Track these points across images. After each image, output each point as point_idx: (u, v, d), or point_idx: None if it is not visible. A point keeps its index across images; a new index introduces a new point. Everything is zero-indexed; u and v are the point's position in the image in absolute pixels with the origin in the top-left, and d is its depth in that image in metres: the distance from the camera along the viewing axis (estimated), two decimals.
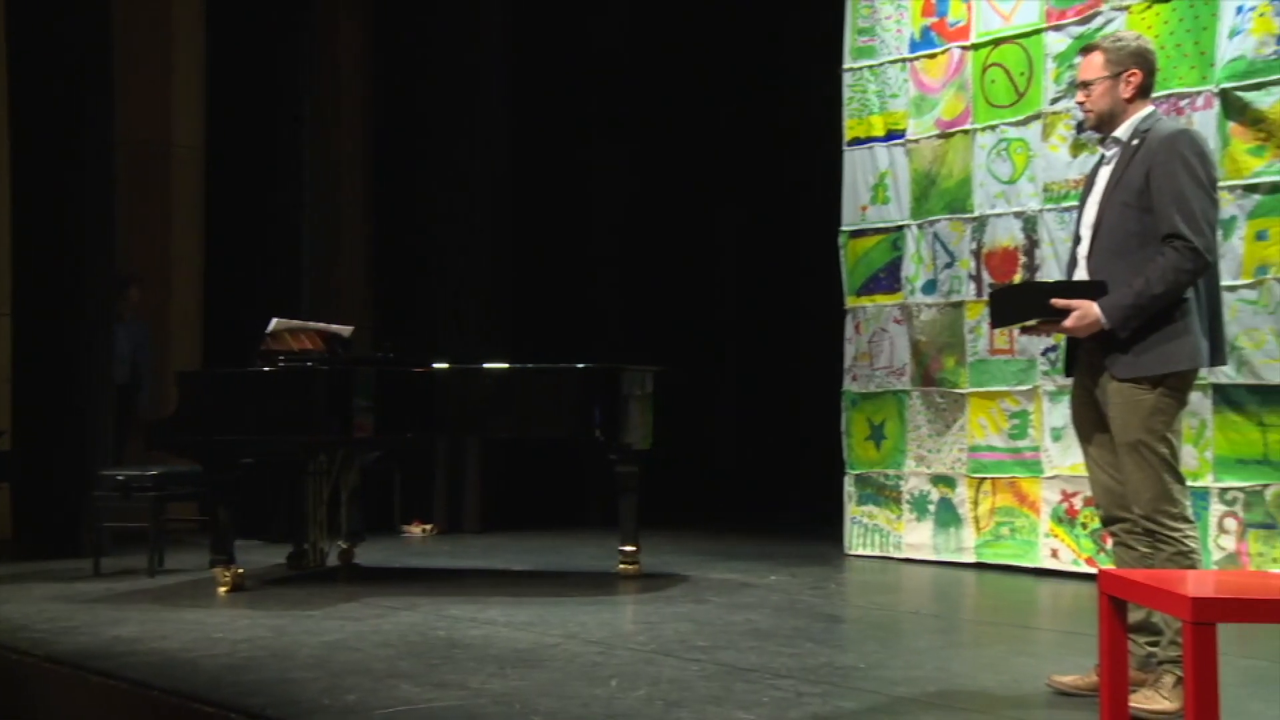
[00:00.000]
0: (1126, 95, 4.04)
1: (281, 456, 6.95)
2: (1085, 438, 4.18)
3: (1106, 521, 4.16)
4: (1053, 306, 3.94)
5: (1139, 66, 4.05)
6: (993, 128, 7.17)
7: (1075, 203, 4.69)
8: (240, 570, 6.25)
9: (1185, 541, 3.87)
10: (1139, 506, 3.92)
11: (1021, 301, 4.23)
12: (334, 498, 7.01)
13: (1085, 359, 4.09)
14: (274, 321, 6.41)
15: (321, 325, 6.81)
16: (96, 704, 3.52)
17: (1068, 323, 3.93)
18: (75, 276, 7.59)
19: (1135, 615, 4.01)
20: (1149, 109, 4.08)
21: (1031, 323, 4.14)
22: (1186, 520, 3.91)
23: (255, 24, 8.70)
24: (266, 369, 6.22)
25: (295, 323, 6.66)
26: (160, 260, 9.01)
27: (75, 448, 7.49)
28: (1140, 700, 3.77)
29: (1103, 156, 4.16)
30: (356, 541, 7.18)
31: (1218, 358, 4.06)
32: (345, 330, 6.91)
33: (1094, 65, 4.07)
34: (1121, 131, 4.04)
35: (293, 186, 8.85)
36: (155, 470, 6.74)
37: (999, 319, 4.35)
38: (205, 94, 8.68)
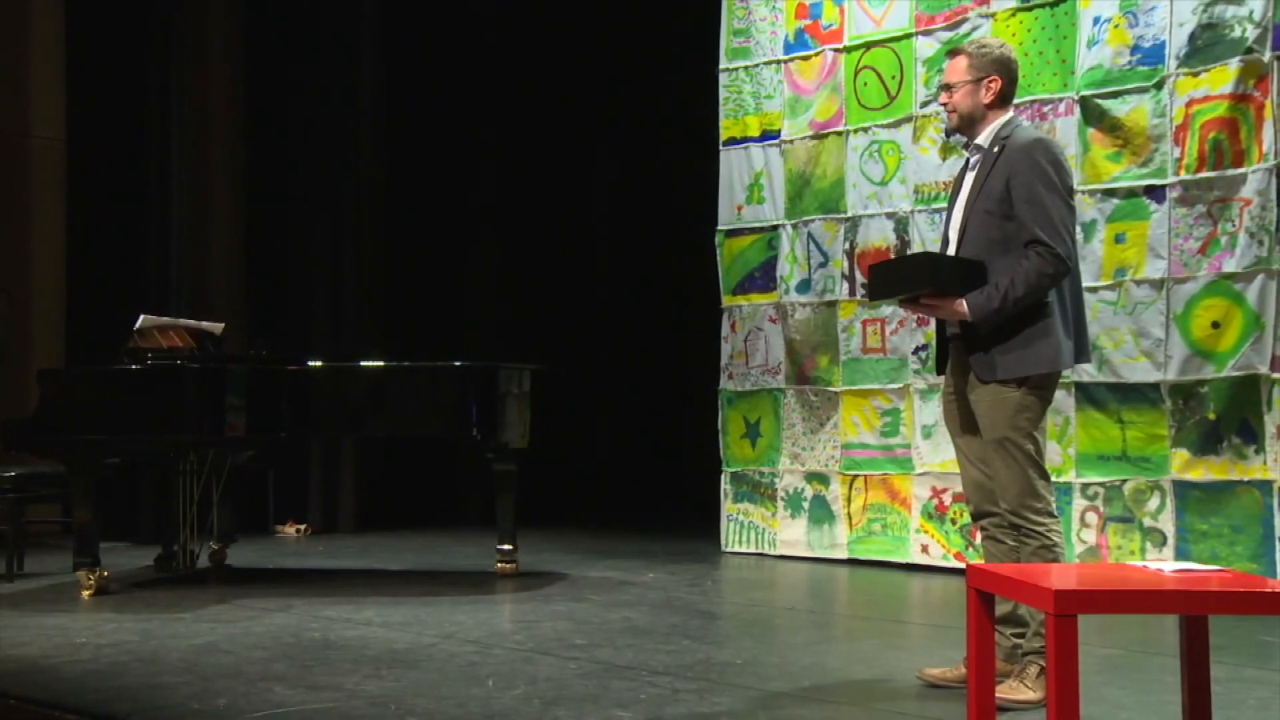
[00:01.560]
0: (987, 100, 4.14)
1: (150, 456, 6.79)
2: (956, 434, 4.27)
3: (976, 516, 4.26)
4: (917, 289, 4.02)
5: (1000, 74, 4.14)
6: (865, 129, 7.29)
7: (945, 204, 4.79)
8: (105, 573, 6.08)
9: (1050, 536, 3.98)
10: (1005, 502, 4.02)
11: (900, 275, 4.26)
12: (204, 498, 6.86)
13: (954, 358, 4.19)
14: (142, 318, 6.25)
15: (192, 322, 6.67)
16: None
17: (936, 304, 4.01)
18: None
19: (1002, 608, 4.11)
20: (1009, 115, 4.18)
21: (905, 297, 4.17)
22: (1051, 515, 4.02)
23: (120, 8, 8.50)
24: (134, 367, 6.06)
25: (164, 320, 6.51)
26: (18, 254, 8.72)
27: None
28: (1006, 690, 3.87)
29: (968, 161, 4.26)
30: (228, 542, 7.05)
31: (1082, 356, 4.19)
32: (217, 328, 6.77)
33: (958, 69, 4.15)
34: (983, 138, 4.14)
35: (161, 179, 8.66)
36: (14, 471, 6.53)
37: (877, 292, 4.37)
38: (66, 82, 8.42)
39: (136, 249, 8.57)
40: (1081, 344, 4.15)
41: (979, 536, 4.29)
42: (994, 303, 3.92)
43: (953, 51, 4.28)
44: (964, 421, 4.19)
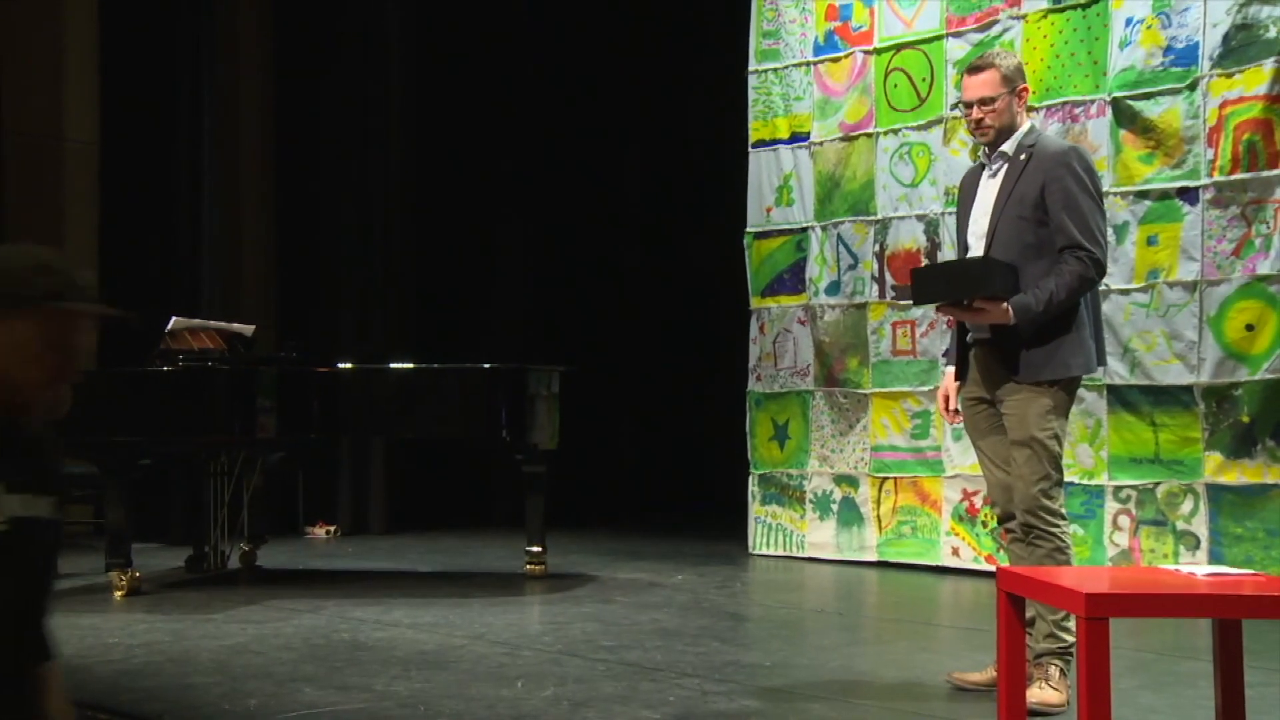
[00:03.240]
0: (1020, 109, 4.14)
1: (181, 457, 6.83)
2: (978, 438, 4.26)
3: (1003, 519, 4.24)
4: (971, 293, 3.95)
5: (1027, 81, 4.18)
6: (895, 131, 7.27)
7: None
8: (137, 574, 6.13)
9: (1063, 538, 3.98)
10: (1021, 502, 4.01)
11: (952, 278, 4.17)
12: (235, 499, 6.91)
13: (979, 361, 4.16)
14: (173, 320, 6.30)
15: (222, 324, 6.71)
16: None
17: (986, 307, 3.93)
18: None
19: (1029, 611, 4.10)
20: (1030, 123, 4.21)
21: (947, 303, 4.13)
22: (1063, 518, 4.03)
23: (153, 14, 8.56)
24: (165, 368, 6.11)
25: (195, 321, 6.55)
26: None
27: None
28: (1032, 695, 3.86)
29: (983, 168, 4.23)
30: (258, 543, 7.09)
31: (1102, 360, 4.23)
32: (247, 329, 6.81)
33: (993, 82, 4.08)
34: (1008, 146, 4.11)
35: (192, 182, 8.71)
36: None
37: (923, 296, 4.32)
38: (100, 88, 8.48)
39: (167, 251, 8.63)
40: (1101, 348, 4.18)
41: (1007, 539, 4.28)
42: (1039, 306, 3.91)
43: (976, 67, 4.19)
44: (987, 425, 4.18)
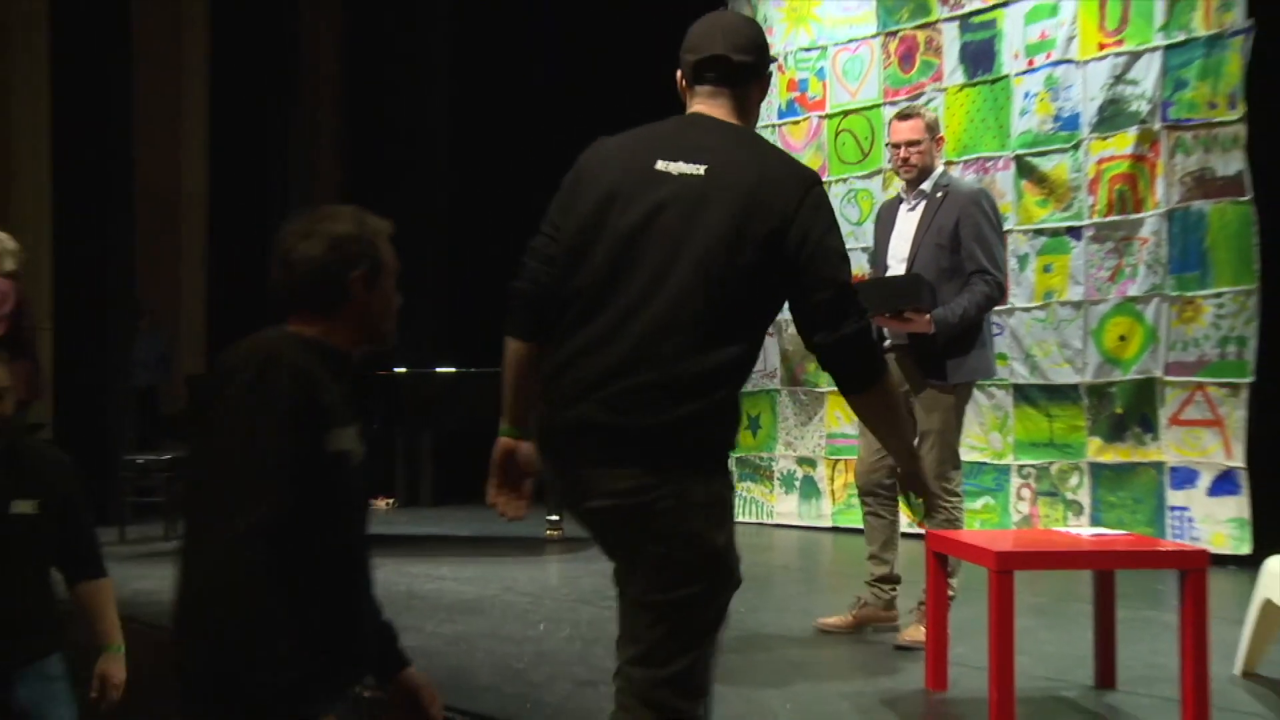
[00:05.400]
0: (938, 153, 4.13)
1: None
2: None
3: (864, 491, 4.09)
4: (902, 305, 3.85)
5: (942, 132, 4.21)
6: (844, 180, 7.27)
7: None
8: None
9: (953, 511, 3.89)
10: None
11: (891, 291, 3.98)
12: None
13: (898, 364, 3.97)
14: None
15: None
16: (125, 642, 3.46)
17: (915, 317, 3.83)
18: (101, 302, 7.43)
19: (880, 569, 4.03)
20: (942, 167, 4.17)
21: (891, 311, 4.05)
22: (956, 495, 3.94)
23: (252, 96, 8.56)
24: None
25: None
26: (172, 285, 8.78)
27: (102, 437, 7.32)
28: (911, 634, 3.83)
29: (900, 201, 4.15)
30: None
31: (994, 368, 4.21)
32: None
33: (919, 128, 4.04)
34: (926, 185, 4.05)
35: (280, 218, 8.71)
36: (169, 455, 6.60)
37: (868, 306, 4.23)
38: (209, 152, 8.45)
39: (260, 277, 8.60)
40: (993, 358, 4.14)
41: (865, 510, 4.11)
42: (954, 320, 3.84)
43: (905, 114, 4.13)
44: None
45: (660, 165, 2.02)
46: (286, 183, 8.80)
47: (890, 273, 4.08)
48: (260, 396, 1.79)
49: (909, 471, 2.31)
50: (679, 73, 2.16)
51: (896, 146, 4.09)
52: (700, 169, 2.00)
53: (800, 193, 2.00)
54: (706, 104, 2.11)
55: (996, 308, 4.27)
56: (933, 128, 4.07)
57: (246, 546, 1.72)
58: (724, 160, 2.01)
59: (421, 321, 9.14)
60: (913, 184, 4.09)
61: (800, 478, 7.46)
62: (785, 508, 7.51)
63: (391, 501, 8.85)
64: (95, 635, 2.82)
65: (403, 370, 6.44)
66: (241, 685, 1.73)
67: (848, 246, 2.19)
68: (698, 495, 1.97)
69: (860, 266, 7.13)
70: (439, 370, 6.51)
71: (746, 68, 2.11)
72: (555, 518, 6.57)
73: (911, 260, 4.00)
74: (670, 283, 1.93)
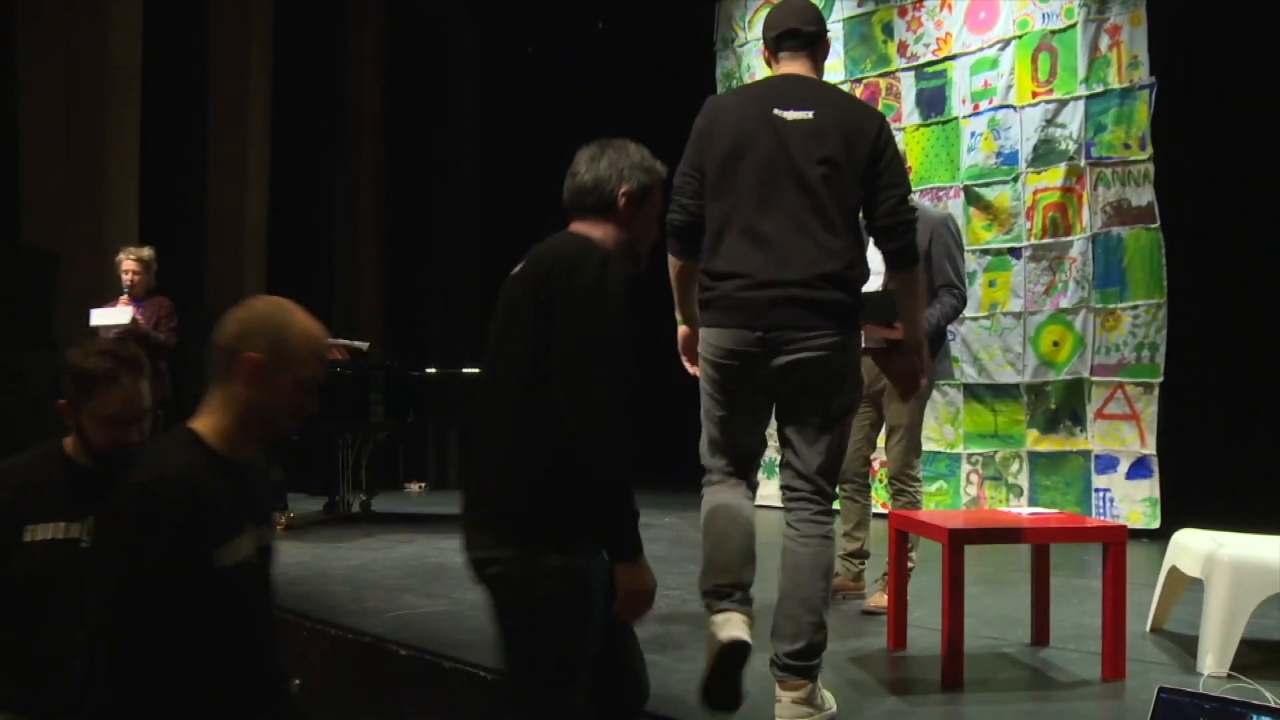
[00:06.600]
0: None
1: (320, 435, 6.85)
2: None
3: (842, 479, 4.00)
4: (893, 318, 3.74)
5: (907, 164, 4.19)
6: None
7: None
8: (292, 514, 6.17)
9: (916, 495, 3.90)
10: (894, 468, 3.90)
11: (881, 307, 3.88)
12: (356, 463, 6.92)
13: (873, 365, 3.98)
14: None
15: (346, 341, 6.72)
16: None
17: (898, 327, 3.82)
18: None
19: (851, 545, 4.04)
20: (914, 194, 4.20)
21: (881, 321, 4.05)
22: (919, 480, 3.95)
23: (305, 132, 8.56)
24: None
25: (329, 340, 6.55)
26: (236, 299, 8.73)
27: None
28: (876, 600, 3.87)
29: None
30: (373, 495, 7.10)
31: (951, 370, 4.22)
32: (364, 345, 6.82)
33: None
34: None
35: (327, 240, 8.73)
36: None
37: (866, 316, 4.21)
38: (269, 179, 8.39)
39: (311, 289, 8.58)
40: (950, 361, 4.15)
41: (842, 494, 4.08)
42: (930, 328, 3.82)
43: None
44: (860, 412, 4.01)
45: (777, 112, 2.46)
46: (333, 208, 8.79)
47: (868, 285, 4.05)
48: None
49: (912, 346, 2.72)
50: (763, 48, 2.68)
51: None
52: (809, 114, 2.46)
53: (880, 123, 2.50)
54: (791, 65, 2.58)
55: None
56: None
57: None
58: (825, 105, 2.47)
59: (452, 328, 9.18)
60: None
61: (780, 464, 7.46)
62: (768, 490, 7.44)
63: (424, 485, 8.86)
64: None
65: (433, 370, 6.47)
66: None
67: None
68: (854, 347, 2.62)
69: None
70: (465, 370, 6.53)
71: (814, 35, 2.60)
72: None
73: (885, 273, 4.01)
74: (802, 198, 2.45)
